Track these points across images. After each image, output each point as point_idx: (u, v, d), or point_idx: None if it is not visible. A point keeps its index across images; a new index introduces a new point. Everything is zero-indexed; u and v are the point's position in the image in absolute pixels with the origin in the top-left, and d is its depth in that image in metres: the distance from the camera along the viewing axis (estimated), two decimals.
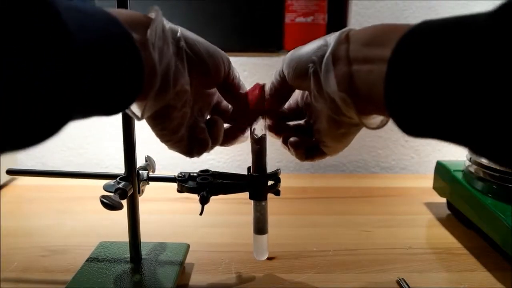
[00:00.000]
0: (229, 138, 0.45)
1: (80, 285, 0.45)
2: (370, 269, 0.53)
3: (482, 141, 0.25)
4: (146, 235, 0.52)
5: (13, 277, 0.51)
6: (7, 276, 0.51)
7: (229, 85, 0.42)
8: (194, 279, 0.51)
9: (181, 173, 0.48)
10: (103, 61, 0.27)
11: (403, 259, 0.56)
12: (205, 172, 0.48)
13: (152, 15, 0.35)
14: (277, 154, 0.94)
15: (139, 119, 0.36)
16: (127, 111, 0.36)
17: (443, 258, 0.57)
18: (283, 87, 0.41)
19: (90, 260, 0.50)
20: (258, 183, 0.47)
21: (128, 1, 0.42)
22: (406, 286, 0.49)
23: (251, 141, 0.46)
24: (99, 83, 0.27)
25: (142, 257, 0.51)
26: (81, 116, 0.28)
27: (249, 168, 0.47)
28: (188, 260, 0.53)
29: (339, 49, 0.34)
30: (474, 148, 0.26)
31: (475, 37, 0.23)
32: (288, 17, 0.88)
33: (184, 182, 0.47)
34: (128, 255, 0.50)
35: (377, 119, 0.36)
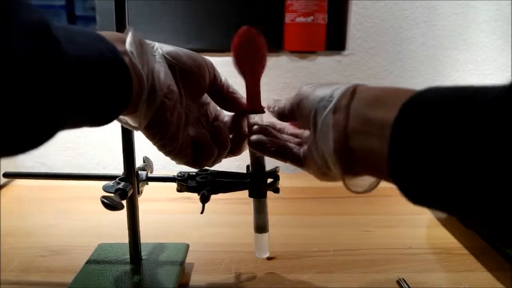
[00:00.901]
0: (236, 146, 0.45)
1: (81, 287, 0.45)
2: (370, 269, 0.53)
3: (491, 220, 0.24)
4: (146, 236, 0.52)
5: (13, 277, 0.51)
6: (7, 276, 0.51)
7: (218, 88, 0.43)
8: (194, 279, 0.51)
9: (180, 172, 0.48)
10: (94, 72, 0.29)
11: (403, 259, 0.56)
12: (204, 171, 0.48)
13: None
14: None
15: (137, 129, 0.37)
16: (126, 125, 0.38)
17: (443, 258, 0.57)
18: (289, 117, 0.41)
19: (90, 262, 0.50)
20: (257, 181, 0.47)
21: (126, 1, 0.42)
22: (406, 286, 0.49)
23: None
24: (91, 93, 0.29)
25: (142, 257, 0.51)
26: (73, 125, 0.30)
27: (248, 167, 0.48)
28: (188, 260, 0.53)
29: (340, 106, 0.33)
30: (479, 222, 0.26)
31: (484, 115, 0.23)
32: (288, 17, 0.88)
33: (184, 182, 0.47)
34: (128, 256, 0.50)
35: (366, 181, 0.35)
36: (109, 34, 0.33)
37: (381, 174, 0.31)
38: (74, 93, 0.28)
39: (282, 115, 0.41)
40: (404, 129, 0.27)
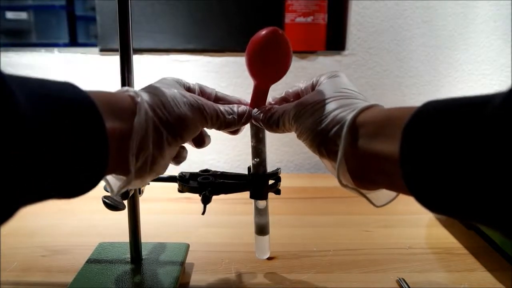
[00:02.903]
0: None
1: (81, 286, 0.45)
2: (370, 269, 0.54)
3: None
4: (146, 235, 0.52)
5: (13, 277, 0.51)
6: (7, 276, 0.51)
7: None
8: (194, 279, 0.51)
9: (182, 173, 0.48)
10: (62, 150, 0.26)
11: (403, 259, 0.56)
12: (205, 172, 0.48)
13: (136, 99, 0.34)
14: (277, 154, 0.95)
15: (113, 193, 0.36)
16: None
17: (443, 258, 0.57)
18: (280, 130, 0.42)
19: (90, 261, 0.50)
20: (258, 182, 0.47)
21: (130, 1, 0.42)
22: (406, 286, 0.49)
23: (251, 141, 0.46)
24: (54, 171, 0.26)
25: (143, 257, 0.51)
26: (37, 199, 0.27)
27: (249, 168, 0.48)
28: (188, 260, 0.53)
29: (348, 143, 0.33)
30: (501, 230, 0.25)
31: (493, 118, 0.22)
32: (288, 17, 0.88)
33: (186, 182, 0.47)
34: (128, 256, 0.50)
35: (383, 193, 0.36)
36: (107, 101, 0.31)
37: (395, 188, 0.32)
38: (31, 171, 0.24)
39: (273, 126, 0.42)
40: (417, 132, 0.27)
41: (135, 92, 0.35)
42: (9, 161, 0.22)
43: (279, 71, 0.41)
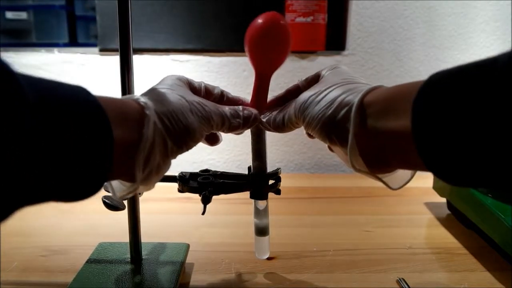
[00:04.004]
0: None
1: (81, 286, 0.45)
2: (370, 269, 0.53)
3: None
4: (146, 235, 0.52)
5: (13, 277, 0.51)
6: (7, 276, 0.51)
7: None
8: (194, 279, 0.51)
9: (182, 173, 0.48)
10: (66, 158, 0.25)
11: (403, 259, 0.56)
12: (205, 172, 0.48)
13: (145, 110, 0.34)
14: (277, 154, 0.94)
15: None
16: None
17: (443, 258, 0.57)
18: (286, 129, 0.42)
19: (90, 261, 0.50)
20: (259, 182, 0.47)
21: (130, 1, 0.42)
22: (406, 286, 0.49)
23: (251, 140, 0.46)
24: (56, 173, 0.25)
25: (143, 257, 0.51)
26: (37, 200, 0.26)
27: (249, 168, 0.48)
28: (188, 260, 0.53)
29: (357, 124, 0.33)
30: None
31: (506, 73, 0.22)
32: (288, 17, 0.88)
33: (186, 182, 0.47)
34: (128, 256, 0.50)
35: (399, 175, 0.35)
36: (116, 110, 0.31)
37: (410, 167, 0.31)
38: (32, 176, 0.23)
39: (280, 126, 0.42)
40: (428, 102, 0.26)
41: (145, 103, 0.34)
42: (11, 159, 0.22)
43: (280, 54, 0.42)
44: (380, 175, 0.35)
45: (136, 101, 0.34)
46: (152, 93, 0.37)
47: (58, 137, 0.25)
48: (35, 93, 0.23)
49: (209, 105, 0.39)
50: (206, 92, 0.43)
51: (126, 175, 0.33)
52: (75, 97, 0.27)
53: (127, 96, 0.36)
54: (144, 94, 0.37)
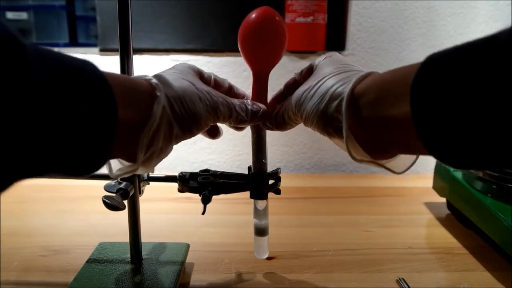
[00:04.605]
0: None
1: (81, 286, 0.45)
2: (370, 269, 0.54)
3: None
4: (146, 235, 0.52)
5: (13, 277, 0.51)
6: (7, 276, 0.51)
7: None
8: (194, 279, 0.51)
9: (182, 173, 0.48)
10: (68, 135, 0.26)
11: (403, 259, 0.56)
12: (205, 172, 0.48)
13: (156, 92, 0.34)
14: (277, 154, 0.95)
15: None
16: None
17: (443, 258, 0.57)
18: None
19: (90, 261, 0.50)
20: (258, 182, 0.47)
21: (130, 1, 0.42)
22: (406, 286, 0.49)
23: (252, 140, 0.46)
24: (57, 145, 0.25)
25: (143, 257, 0.51)
26: (37, 173, 0.26)
27: (249, 168, 0.48)
28: (188, 260, 0.53)
29: (350, 115, 0.33)
30: None
31: (506, 49, 0.21)
32: (288, 17, 0.88)
33: (186, 182, 0.47)
34: (128, 256, 0.50)
35: (402, 159, 0.35)
36: (124, 88, 0.31)
37: (411, 151, 0.30)
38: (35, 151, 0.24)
39: (280, 124, 0.42)
40: (427, 83, 0.25)
41: (157, 84, 0.34)
42: (12, 129, 0.22)
43: (274, 50, 0.41)
44: (382, 162, 0.34)
45: (148, 81, 0.34)
46: (164, 76, 0.37)
47: (61, 110, 0.25)
48: (41, 65, 0.24)
49: (218, 95, 0.39)
50: (215, 84, 0.43)
51: (127, 154, 0.33)
52: (81, 71, 0.27)
53: (140, 75, 0.35)
54: (155, 76, 0.37)
